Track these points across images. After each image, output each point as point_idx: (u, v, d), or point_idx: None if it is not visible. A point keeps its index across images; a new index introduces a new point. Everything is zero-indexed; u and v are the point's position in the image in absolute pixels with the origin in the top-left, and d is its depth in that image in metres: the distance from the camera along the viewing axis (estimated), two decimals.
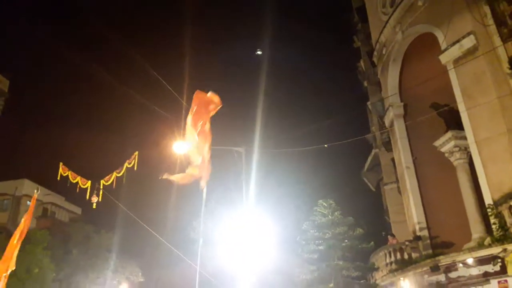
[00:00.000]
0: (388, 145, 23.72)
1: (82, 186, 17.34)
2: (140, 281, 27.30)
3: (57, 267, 24.15)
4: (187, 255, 20.58)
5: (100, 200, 20.07)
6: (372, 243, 14.80)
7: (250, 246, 15.30)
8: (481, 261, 14.34)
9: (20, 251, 21.26)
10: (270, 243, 17.36)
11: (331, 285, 13.37)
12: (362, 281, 13.83)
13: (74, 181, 17.18)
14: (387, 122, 21.60)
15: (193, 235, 23.63)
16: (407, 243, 18.17)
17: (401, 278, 17.42)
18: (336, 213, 15.73)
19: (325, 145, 16.78)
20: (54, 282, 23.69)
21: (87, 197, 20.23)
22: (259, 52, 29.61)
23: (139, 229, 22.44)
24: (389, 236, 19.89)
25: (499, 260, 13.76)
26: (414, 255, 17.62)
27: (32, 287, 22.17)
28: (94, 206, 20.03)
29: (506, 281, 13.45)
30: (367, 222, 18.32)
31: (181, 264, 26.34)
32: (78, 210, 32.34)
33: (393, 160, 22.34)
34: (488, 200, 14.85)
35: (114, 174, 16.84)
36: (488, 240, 14.49)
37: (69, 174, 17.30)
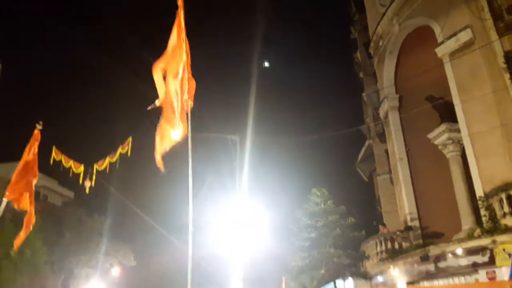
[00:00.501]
0: (382, 136, 23.89)
1: (75, 171, 17.29)
2: (132, 265, 27.41)
3: (49, 250, 24.16)
4: (180, 240, 20.75)
5: (93, 185, 20.07)
6: (364, 232, 14.99)
7: (242, 231, 15.44)
8: (470, 252, 14.60)
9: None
10: (262, 229, 17.51)
11: (322, 271, 13.57)
12: (353, 269, 14.01)
13: (67, 166, 17.09)
14: (381, 114, 21.73)
15: (185, 220, 23.69)
16: (398, 232, 18.44)
17: (391, 267, 17.69)
18: (328, 201, 15.88)
19: (316, 136, 16.89)
20: (46, 264, 23.74)
21: (80, 182, 20.19)
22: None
23: (131, 213, 22.60)
24: (380, 226, 20.14)
25: (488, 251, 14.01)
26: (404, 244, 17.89)
27: (25, 269, 22.22)
28: (87, 191, 20.03)
29: (494, 271, 13.70)
30: (359, 211, 18.57)
31: (173, 249, 26.54)
32: (71, 194, 32.27)
33: (386, 151, 22.54)
34: (479, 192, 15.07)
35: (108, 159, 16.79)
36: (478, 231, 14.74)
37: (62, 158, 17.21)
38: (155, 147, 5.70)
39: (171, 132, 5.59)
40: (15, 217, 23.34)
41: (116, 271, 28.09)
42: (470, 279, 14.36)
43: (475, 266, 14.42)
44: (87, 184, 19.99)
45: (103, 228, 24.51)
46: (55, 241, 24.90)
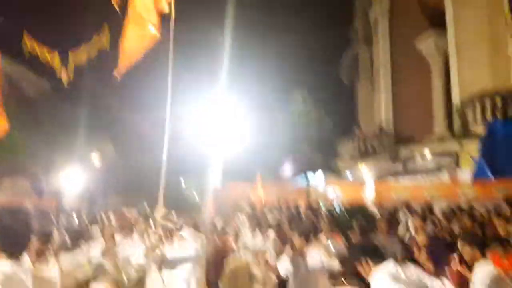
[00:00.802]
0: (368, 42, 23.39)
1: (49, 61, 16.61)
2: (111, 155, 27.92)
3: (29, 139, 24.19)
4: (158, 132, 20.95)
5: (70, 76, 19.49)
6: (339, 133, 15.42)
7: (222, 126, 15.65)
8: (438, 155, 15.36)
9: None
10: (242, 126, 17.77)
11: (296, 165, 14.15)
12: (325, 165, 14.67)
13: (40, 54, 16.33)
14: (371, 18, 21.04)
15: (163, 113, 23.72)
16: (372, 135, 19.08)
17: (361, 165, 18.60)
18: (308, 103, 15.99)
19: (301, 36, 16.38)
20: (25, 149, 23.94)
21: (57, 73, 19.54)
22: None
23: (109, 106, 22.42)
24: (356, 129, 20.75)
25: (454, 155, 14.76)
26: (377, 145, 18.63)
27: (4, 156, 22.40)
28: (64, 83, 19.51)
29: (457, 173, 14.60)
30: (337, 113, 18.86)
31: (152, 142, 26.97)
32: (47, 85, 31.42)
33: (371, 57, 22.28)
34: (455, 99, 15.41)
35: (84, 49, 16.09)
36: (447, 136, 15.38)
37: (35, 46, 16.40)
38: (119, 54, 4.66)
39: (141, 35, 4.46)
40: None
41: (96, 160, 28.66)
42: (434, 178, 15.30)
43: (440, 168, 15.28)
44: (64, 75, 19.40)
45: (81, 119, 24.42)
46: (34, 129, 24.85)
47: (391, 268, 2.77)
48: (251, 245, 8.07)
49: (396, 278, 2.66)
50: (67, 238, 9.18)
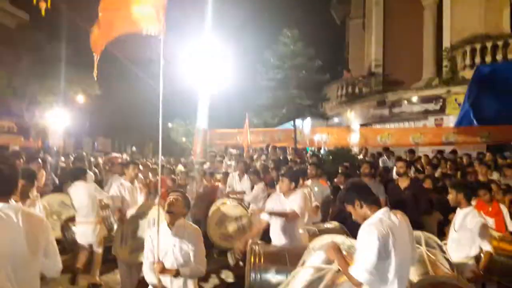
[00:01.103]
0: None
1: None
2: (96, 93, 27.29)
3: (9, 74, 23.48)
4: (145, 74, 20.52)
5: (48, 6, 18.50)
6: (328, 75, 15.20)
7: (209, 68, 15.32)
8: (424, 100, 15.45)
9: None
10: (229, 67, 17.44)
11: (284, 111, 14.09)
12: (312, 110, 14.63)
13: None
14: None
15: (149, 54, 23.15)
16: (360, 78, 18.97)
17: (348, 110, 18.67)
18: (298, 43, 15.58)
19: None
20: (8, 89, 23.36)
21: (34, 2, 18.53)
22: None
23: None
24: (345, 71, 20.55)
25: (441, 100, 14.87)
26: (365, 90, 18.61)
27: None
28: (42, 13, 18.54)
29: (442, 119, 14.80)
30: (327, 55, 18.58)
31: (139, 83, 26.48)
32: (25, 16, 29.91)
33: None
34: (446, 43, 15.27)
35: None
36: (436, 81, 15.38)
37: None
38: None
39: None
40: None
41: (80, 99, 28.10)
42: (419, 124, 15.50)
43: (426, 113, 15.45)
44: (42, 5, 18.42)
45: (63, 54, 23.55)
46: (14, 65, 24.04)
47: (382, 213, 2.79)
48: (238, 189, 8.25)
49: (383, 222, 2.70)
50: (53, 178, 9.23)
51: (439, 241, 4.55)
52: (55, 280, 4.88)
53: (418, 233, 4.50)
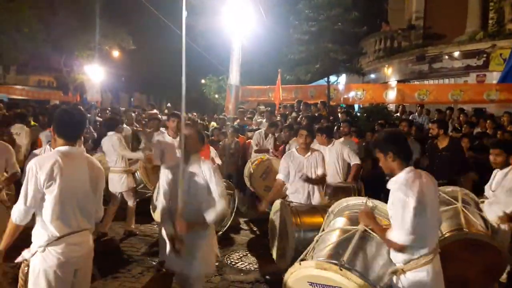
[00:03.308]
0: None
1: None
2: (131, 48, 27.51)
3: (47, 28, 23.88)
4: (178, 27, 20.31)
5: None
6: (365, 28, 14.50)
7: (242, 21, 15.06)
8: (466, 55, 14.68)
9: (4, 8, 20.68)
10: (261, 21, 17.06)
11: (317, 66, 13.72)
12: (347, 65, 14.16)
13: None
14: None
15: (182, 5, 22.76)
16: (399, 31, 18.12)
17: (386, 65, 18.04)
18: None
19: None
20: (46, 43, 23.83)
21: None
22: None
23: None
24: (383, 23, 19.64)
25: (485, 55, 14.07)
26: (403, 44, 17.82)
27: (24, 46, 22.43)
28: None
29: (484, 75, 14.07)
30: (365, 6, 17.63)
31: (172, 35, 26.29)
32: None
33: None
34: None
35: None
36: (480, 34, 14.50)
37: None
38: None
39: None
40: None
41: (115, 54, 28.46)
42: (460, 80, 14.83)
43: (468, 69, 14.71)
44: None
45: (97, 8, 23.61)
46: (51, 19, 24.39)
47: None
48: (265, 146, 8.30)
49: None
50: (92, 132, 9.57)
51: (476, 198, 4.52)
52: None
53: (455, 189, 4.52)
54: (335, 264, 2.71)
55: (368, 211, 3.01)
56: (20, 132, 7.54)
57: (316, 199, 4.91)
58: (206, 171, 3.42)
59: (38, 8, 22.97)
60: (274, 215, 4.79)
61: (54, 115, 2.95)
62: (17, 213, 2.66)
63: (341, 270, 2.66)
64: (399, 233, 2.59)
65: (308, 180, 4.87)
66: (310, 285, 2.81)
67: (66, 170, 2.69)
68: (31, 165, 2.67)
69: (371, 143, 3.06)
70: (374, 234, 2.97)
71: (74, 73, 27.54)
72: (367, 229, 3.02)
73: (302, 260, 3.06)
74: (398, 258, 2.71)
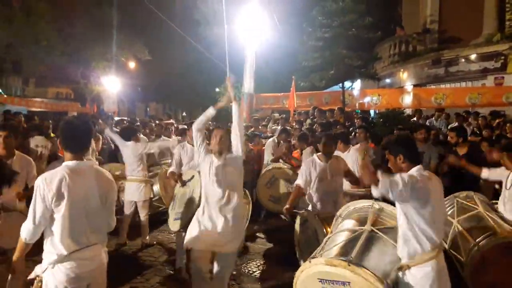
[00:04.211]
0: None
1: None
2: (147, 59, 27.89)
3: (65, 41, 24.41)
4: (191, 37, 20.50)
5: None
6: (380, 33, 14.42)
7: (255, 30, 15.13)
8: (483, 58, 14.48)
9: (23, 23, 21.22)
10: (275, 29, 17.11)
11: (332, 72, 13.67)
12: (362, 70, 14.08)
13: None
14: None
15: (196, 15, 23.04)
16: (414, 35, 17.98)
17: (401, 70, 17.89)
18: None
19: None
20: (64, 56, 24.32)
21: None
22: None
23: (142, 7, 21.81)
24: (397, 28, 19.52)
25: (502, 57, 13.86)
26: (419, 48, 17.67)
27: (43, 58, 22.97)
28: None
29: (503, 77, 13.83)
30: (379, 11, 17.55)
31: (186, 45, 26.59)
32: None
33: None
34: None
35: None
36: (497, 36, 14.29)
37: None
38: None
39: None
40: (24, 4, 22.93)
41: (131, 65, 28.86)
42: (477, 83, 14.61)
43: (485, 72, 14.50)
44: None
45: (113, 20, 24.02)
46: (69, 32, 24.92)
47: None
48: (280, 151, 8.25)
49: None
50: (110, 143, 9.68)
51: (487, 200, 4.51)
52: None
53: (470, 193, 4.56)
54: (344, 260, 2.81)
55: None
56: (42, 144, 7.65)
57: (339, 207, 4.81)
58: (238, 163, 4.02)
59: (56, 22, 23.52)
60: (302, 227, 4.71)
61: (59, 128, 2.91)
62: (26, 232, 2.64)
63: (349, 265, 2.76)
64: (392, 178, 2.69)
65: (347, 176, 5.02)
66: (320, 281, 2.91)
67: (74, 186, 2.65)
68: (38, 183, 2.64)
69: (383, 145, 3.16)
70: (381, 233, 3.13)
71: (91, 84, 28.01)
72: (374, 229, 3.16)
73: (312, 258, 3.13)
74: (404, 254, 2.81)
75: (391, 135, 3.19)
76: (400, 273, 2.82)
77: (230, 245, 3.89)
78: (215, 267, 3.95)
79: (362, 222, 3.39)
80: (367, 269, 2.74)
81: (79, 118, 3.42)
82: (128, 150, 6.26)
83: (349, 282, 2.76)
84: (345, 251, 3.03)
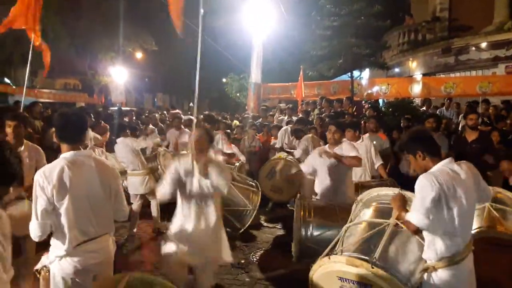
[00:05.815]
0: None
1: None
2: (153, 49, 27.88)
3: (71, 32, 24.42)
4: (197, 25, 20.39)
5: None
6: (389, 21, 14.20)
7: (262, 19, 15.03)
8: (494, 46, 14.25)
9: None
10: (282, 18, 16.98)
11: (340, 61, 13.56)
12: (371, 59, 13.93)
13: None
14: None
15: (205, 7, 22.91)
16: (424, 23, 17.72)
17: (410, 59, 17.68)
18: None
19: None
20: (71, 47, 24.36)
21: None
22: None
23: None
24: (406, 16, 19.26)
25: None
26: (428, 36, 17.42)
27: (50, 50, 22.97)
28: None
29: None
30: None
31: (192, 35, 26.43)
32: None
33: None
34: None
35: None
36: (508, 24, 14.05)
37: None
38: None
39: None
40: None
41: (138, 55, 28.87)
42: (488, 72, 14.40)
43: (495, 60, 14.27)
44: None
45: (120, 11, 23.97)
46: (75, 24, 24.91)
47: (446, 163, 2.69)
48: (289, 142, 8.25)
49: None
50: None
51: (510, 195, 4.34)
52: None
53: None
54: (367, 261, 2.68)
55: (401, 196, 2.96)
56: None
57: (341, 197, 4.76)
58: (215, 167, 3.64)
59: (63, 14, 23.50)
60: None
61: (53, 120, 2.89)
62: (34, 231, 2.59)
63: (372, 268, 2.63)
64: (416, 215, 2.58)
65: (339, 157, 4.73)
66: (339, 279, 2.81)
67: (74, 178, 2.62)
68: (37, 178, 2.59)
69: (396, 147, 3.05)
70: (405, 228, 2.91)
71: (98, 75, 28.08)
72: (398, 222, 2.95)
73: (330, 253, 3.03)
74: (430, 255, 2.65)
75: (404, 134, 3.01)
76: (425, 275, 2.67)
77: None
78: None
79: (384, 212, 3.21)
80: (391, 272, 2.63)
81: (72, 109, 3.40)
82: (121, 148, 6.24)
83: (371, 285, 2.65)
84: (367, 248, 2.88)
